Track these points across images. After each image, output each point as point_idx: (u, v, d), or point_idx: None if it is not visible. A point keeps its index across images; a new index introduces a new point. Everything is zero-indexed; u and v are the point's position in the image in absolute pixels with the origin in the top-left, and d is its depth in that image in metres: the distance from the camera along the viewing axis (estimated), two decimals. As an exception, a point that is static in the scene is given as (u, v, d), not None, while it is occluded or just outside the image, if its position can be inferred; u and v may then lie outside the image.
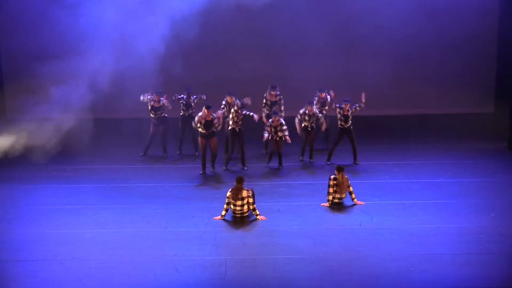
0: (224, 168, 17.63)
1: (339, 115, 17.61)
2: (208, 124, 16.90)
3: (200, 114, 16.92)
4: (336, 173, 15.00)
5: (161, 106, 18.46)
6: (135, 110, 19.52)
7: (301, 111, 17.80)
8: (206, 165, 17.35)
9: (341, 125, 17.64)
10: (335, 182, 14.98)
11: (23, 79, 20.26)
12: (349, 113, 17.51)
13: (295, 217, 14.68)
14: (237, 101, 18.12)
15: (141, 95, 18.50)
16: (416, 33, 21.87)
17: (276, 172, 17.33)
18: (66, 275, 12.19)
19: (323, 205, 15.01)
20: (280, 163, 17.62)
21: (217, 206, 14.74)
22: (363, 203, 15.01)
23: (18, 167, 17.58)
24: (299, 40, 21.97)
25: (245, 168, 17.55)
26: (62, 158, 18.22)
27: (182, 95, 18.82)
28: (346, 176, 15.01)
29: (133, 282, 11.96)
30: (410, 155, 18.60)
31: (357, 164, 17.62)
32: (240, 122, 17.49)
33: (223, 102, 18.47)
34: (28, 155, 17.91)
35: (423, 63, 22.21)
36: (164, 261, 12.69)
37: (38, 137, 18.20)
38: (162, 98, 18.46)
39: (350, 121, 17.60)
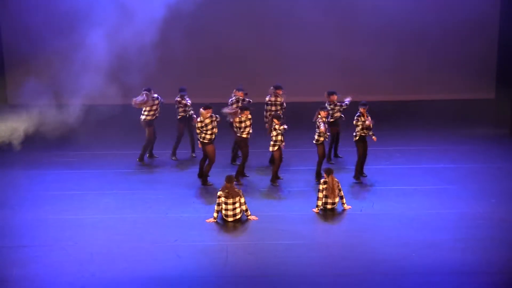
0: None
1: (360, 126, 15.64)
2: (208, 125, 15.34)
3: (199, 118, 15.41)
4: (325, 176, 14.11)
5: (155, 106, 17.01)
6: (136, 95, 19.52)
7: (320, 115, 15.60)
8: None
9: (363, 133, 15.62)
10: (325, 186, 14.07)
11: (25, 65, 20.27)
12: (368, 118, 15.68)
13: (296, 202, 14.71)
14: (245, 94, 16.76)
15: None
16: (416, 18, 21.80)
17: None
18: (68, 260, 12.25)
19: (313, 210, 14.14)
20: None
21: (218, 191, 14.74)
22: (350, 207, 14.22)
23: (20, 153, 17.59)
24: (295, 22, 21.85)
25: (247, 175, 16.11)
26: (64, 144, 18.22)
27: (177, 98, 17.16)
28: (336, 179, 14.11)
29: (134, 267, 12.02)
30: (411, 140, 18.60)
31: (364, 176, 16.04)
32: (248, 129, 15.62)
33: (233, 99, 16.73)
34: (30, 141, 17.93)
35: (424, 48, 22.16)
36: (165, 246, 12.74)
37: (39, 123, 18.20)
38: (155, 95, 16.98)
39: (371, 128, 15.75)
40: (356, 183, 15.66)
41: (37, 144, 17.97)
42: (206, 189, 15.52)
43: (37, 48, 20.12)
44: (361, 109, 15.72)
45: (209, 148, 15.47)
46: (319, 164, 15.81)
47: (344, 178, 15.58)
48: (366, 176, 16.05)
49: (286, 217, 13.98)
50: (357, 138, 15.67)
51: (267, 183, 15.77)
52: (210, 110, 15.39)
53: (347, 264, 12.17)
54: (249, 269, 12.07)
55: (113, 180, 16.07)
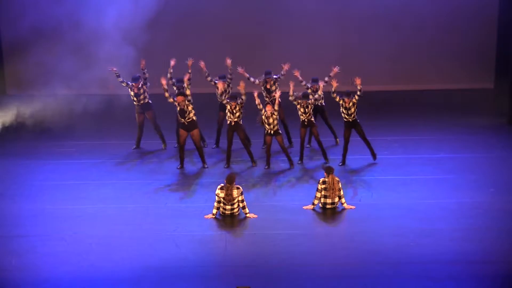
0: (225, 166, 16.15)
1: (341, 108, 15.84)
2: (182, 112, 15.65)
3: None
4: (326, 175, 13.61)
5: (142, 91, 16.90)
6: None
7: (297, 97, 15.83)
8: (185, 160, 16.16)
9: (345, 118, 15.90)
10: (324, 186, 13.59)
11: (23, 55, 20.25)
12: (351, 105, 15.69)
13: (295, 192, 14.72)
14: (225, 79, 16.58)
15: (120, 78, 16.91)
16: (415, 7, 21.76)
17: (276, 147, 17.14)
18: (68, 250, 12.27)
19: (305, 208, 13.76)
20: (290, 163, 16.04)
21: (217, 182, 14.74)
22: (354, 207, 13.81)
23: (19, 143, 17.60)
24: (291, 9, 21.75)
25: (254, 164, 16.15)
26: (63, 133, 18.21)
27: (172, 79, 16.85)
28: (336, 178, 13.65)
29: (133, 257, 12.03)
30: (410, 130, 18.60)
31: (375, 161, 16.16)
32: (237, 114, 15.80)
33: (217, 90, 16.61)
34: (29, 131, 17.93)
35: (422, 37, 22.11)
36: (164, 236, 12.75)
37: (38, 113, 18.20)
38: (142, 82, 16.88)
39: (355, 113, 15.80)
40: (352, 172, 15.74)
41: (35, 134, 17.98)
42: (204, 180, 15.54)
43: (36, 38, 20.07)
44: (345, 99, 15.78)
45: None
46: (301, 145, 16.24)
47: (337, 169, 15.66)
48: (342, 165, 16.09)
49: (285, 206, 13.98)
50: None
51: (266, 172, 15.78)
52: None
53: (346, 254, 12.18)
54: (248, 259, 12.08)
55: (112, 170, 16.07)
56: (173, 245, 12.43)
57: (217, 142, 17.40)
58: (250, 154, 16.19)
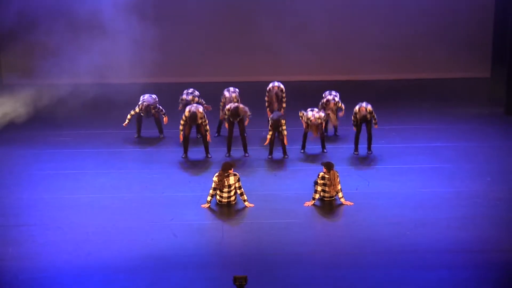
0: (227, 154, 16.15)
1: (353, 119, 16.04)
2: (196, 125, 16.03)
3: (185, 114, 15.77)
4: (325, 171, 13.42)
5: (150, 115, 16.93)
6: (133, 74, 19.49)
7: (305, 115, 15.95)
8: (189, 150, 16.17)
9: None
10: (323, 181, 13.46)
11: (19, 44, 20.19)
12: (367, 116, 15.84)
13: (291, 182, 14.74)
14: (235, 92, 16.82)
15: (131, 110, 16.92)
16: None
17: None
18: (64, 240, 12.29)
19: (306, 204, 13.54)
20: (284, 152, 16.04)
21: (214, 171, 14.75)
22: (352, 203, 13.59)
23: (15, 132, 17.56)
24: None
25: (247, 154, 16.06)
26: (59, 123, 18.18)
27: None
28: (337, 173, 13.53)
29: (130, 246, 12.06)
30: (406, 119, 18.58)
31: (369, 153, 16.05)
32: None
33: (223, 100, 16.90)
34: (25, 120, 17.89)
35: (418, 26, 22.01)
36: (161, 225, 12.77)
37: (34, 102, 18.17)
38: (155, 110, 16.92)
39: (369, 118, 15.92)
40: (348, 160, 15.78)
41: (32, 123, 17.93)
42: (201, 169, 15.55)
43: (31, 27, 19.98)
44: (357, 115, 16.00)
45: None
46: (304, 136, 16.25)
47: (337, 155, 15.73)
48: (357, 154, 16.11)
49: (282, 196, 14.01)
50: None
51: (263, 162, 15.79)
52: None
53: (342, 242, 12.23)
54: (244, 248, 12.12)
55: (108, 159, 16.06)
56: (170, 234, 12.46)
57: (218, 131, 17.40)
58: (245, 145, 16.19)
